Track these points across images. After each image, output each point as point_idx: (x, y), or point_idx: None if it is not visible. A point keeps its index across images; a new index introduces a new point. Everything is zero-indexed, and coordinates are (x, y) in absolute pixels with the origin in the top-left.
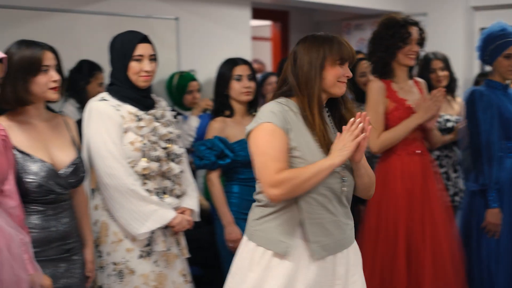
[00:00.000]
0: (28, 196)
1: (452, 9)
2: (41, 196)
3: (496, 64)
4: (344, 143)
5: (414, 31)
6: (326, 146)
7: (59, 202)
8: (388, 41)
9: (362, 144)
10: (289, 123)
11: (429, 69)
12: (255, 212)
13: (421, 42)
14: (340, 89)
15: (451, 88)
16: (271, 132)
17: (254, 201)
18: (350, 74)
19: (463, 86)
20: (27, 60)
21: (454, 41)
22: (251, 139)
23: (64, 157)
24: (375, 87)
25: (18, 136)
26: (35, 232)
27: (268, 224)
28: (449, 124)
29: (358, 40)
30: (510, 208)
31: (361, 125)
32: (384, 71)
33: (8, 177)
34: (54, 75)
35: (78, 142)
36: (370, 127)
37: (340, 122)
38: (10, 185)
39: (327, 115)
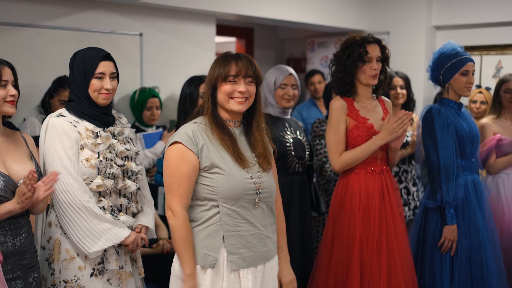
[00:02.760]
0: None
1: (414, 28)
2: None
3: (453, 81)
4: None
5: (372, 49)
6: (238, 157)
7: (17, 217)
8: (345, 61)
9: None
10: (200, 142)
11: (389, 85)
12: None
13: (384, 59)
14: (232, 106)
15: (409, 108)
16: (180, 155)
17: None
18: (242, 89)
19: (424, 104)
20: None
21: (416, 60)
22: (164, 157)
23: (21, 170)
24: (336, 106)
25: None
26: None
27: (193, 239)
28: (407, 139)
29: (322, 57)
30: (463, 225)
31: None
32: (346, 90)
33: None
34: (11, 90)
35: (36, 157)
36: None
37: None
38: None
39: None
